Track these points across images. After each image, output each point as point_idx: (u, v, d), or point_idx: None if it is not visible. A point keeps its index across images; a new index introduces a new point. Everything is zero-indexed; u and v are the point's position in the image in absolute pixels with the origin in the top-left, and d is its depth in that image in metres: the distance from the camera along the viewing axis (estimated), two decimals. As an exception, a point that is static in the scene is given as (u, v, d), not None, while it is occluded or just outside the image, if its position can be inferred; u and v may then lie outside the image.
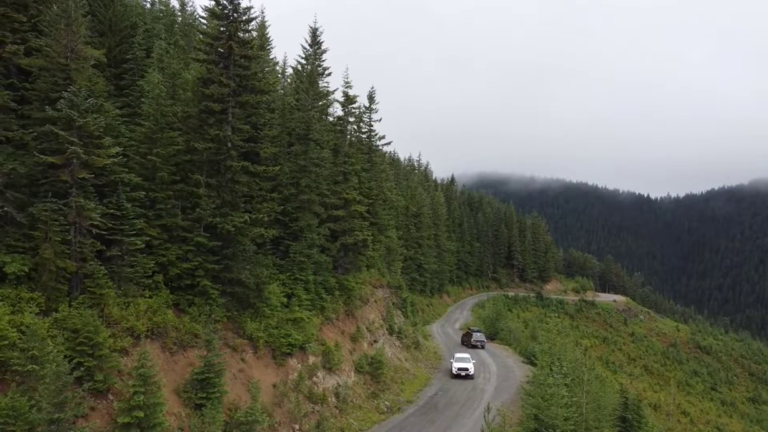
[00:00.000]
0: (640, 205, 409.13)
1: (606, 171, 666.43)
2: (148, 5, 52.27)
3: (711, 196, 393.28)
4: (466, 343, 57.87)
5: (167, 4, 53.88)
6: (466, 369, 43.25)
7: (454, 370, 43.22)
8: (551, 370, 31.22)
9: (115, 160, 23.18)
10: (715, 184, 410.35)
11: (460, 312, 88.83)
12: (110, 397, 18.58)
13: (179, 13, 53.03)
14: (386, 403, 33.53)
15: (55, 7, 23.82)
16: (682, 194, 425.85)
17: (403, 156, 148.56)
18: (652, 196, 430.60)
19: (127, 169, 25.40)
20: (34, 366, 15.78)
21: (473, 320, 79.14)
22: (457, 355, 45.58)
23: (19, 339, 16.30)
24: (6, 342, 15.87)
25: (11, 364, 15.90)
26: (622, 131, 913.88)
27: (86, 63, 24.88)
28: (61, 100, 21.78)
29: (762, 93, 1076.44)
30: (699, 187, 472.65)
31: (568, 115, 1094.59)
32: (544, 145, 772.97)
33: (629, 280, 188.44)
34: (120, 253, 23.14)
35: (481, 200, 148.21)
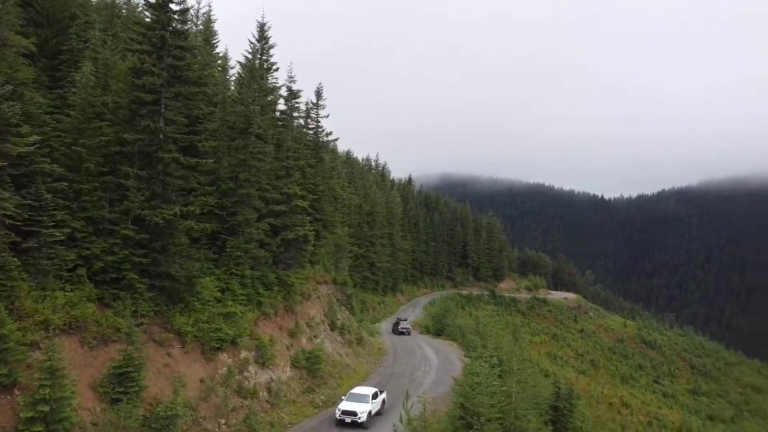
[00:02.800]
0: (594, 205, 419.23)
1: (564, 172, 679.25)
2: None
3: (662, 197, 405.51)
4: (395, 330, 65.29)
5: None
6: (353, 413, 29.35)
7: (337, 414, 29.67)
8: (483, 360, 31.80)
9: (31, 149, 22.52)
10: (666, 185, 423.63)
11: (412, 310, 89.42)
12: (16, 392, 18.04)
13: (125, 6, 51.89)
14: (322, 397, 33.52)
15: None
16: (634, 195, 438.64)
17: (361, 156, 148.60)
18: (606, 197, 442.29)
19: (49, 160, 24.78)
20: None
21: (424, 318, 79.80)
22: (354, 390, 32.09)
23: None
24: None
25: None
26: (583, 132, 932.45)
27: (9, 50, 24.20)
28: (-26, 88, 21.07)
29: (713, 95, 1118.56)
30: (651, 188, 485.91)
31: (532, 117, 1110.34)
32: (506, 146, 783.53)
33: (581, 278, 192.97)
34: (37, 245, 22.53)
35: (438, 200, 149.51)
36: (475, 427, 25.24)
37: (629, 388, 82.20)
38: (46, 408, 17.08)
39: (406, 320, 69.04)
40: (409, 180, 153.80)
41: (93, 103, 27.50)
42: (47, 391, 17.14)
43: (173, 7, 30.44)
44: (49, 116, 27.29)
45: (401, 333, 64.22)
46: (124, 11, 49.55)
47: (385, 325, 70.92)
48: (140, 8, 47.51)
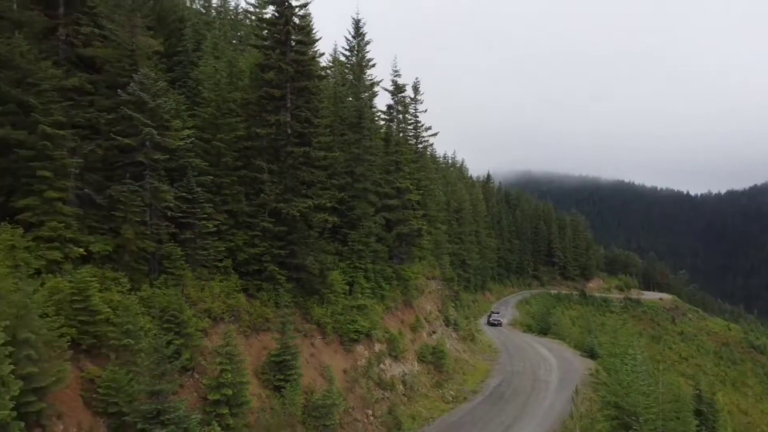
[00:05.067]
0: (679, 202, 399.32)
1: (646, 168, 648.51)
2: (188, 2, 52.63)
3: (756, 192, 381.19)
4: (489, 322, 71.39)
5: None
6: None
7: None
8: (624, 360, 30.10)
9: (186, 142, 23.08)
10: (759, 180, 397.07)
11: (504, 308, 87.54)
12: (196, 375, 18.36)
13: (222, 9, 53.19)
14: (451, 392, 32.85)
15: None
16: (723, 191, 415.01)
17: (438, 153, 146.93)
18: (692, 193, 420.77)
19: (193, 154, 25.37)
20: (129, 340, 15.61)
21: (520, 316, 78.23)
22: None
23: (113, 315, 16.15)
24: (101, 317, 15.71)
25: (107, 339, 15.76)
26: (666, 128, 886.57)
27: (148, 50, 24.94)
28: (132, 84, 21.71)
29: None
30: (741, 183, 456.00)
31: (612, 113, 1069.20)
32: (585, 142, 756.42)
33: (674, 278, 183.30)
34: (192, 237, 23.02)
35: (519, 197, 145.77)
36: (634, 427, 23.86)
37: (742, 395, 76.88)
38: (230, 392, 17.28)
39: (498, 313, 76.61)
40: (488, 177, 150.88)
41: (227, 99, 28.04)
42: (229, 375, 17.30)
43: (292, 2, 30.66)
44: (185, 113, 28.01)
45: (493, 324, 70.65)
46: (221, 14, 50.83)
47: (483, 322, 70.18)
48: (241, 9, 49.11)
